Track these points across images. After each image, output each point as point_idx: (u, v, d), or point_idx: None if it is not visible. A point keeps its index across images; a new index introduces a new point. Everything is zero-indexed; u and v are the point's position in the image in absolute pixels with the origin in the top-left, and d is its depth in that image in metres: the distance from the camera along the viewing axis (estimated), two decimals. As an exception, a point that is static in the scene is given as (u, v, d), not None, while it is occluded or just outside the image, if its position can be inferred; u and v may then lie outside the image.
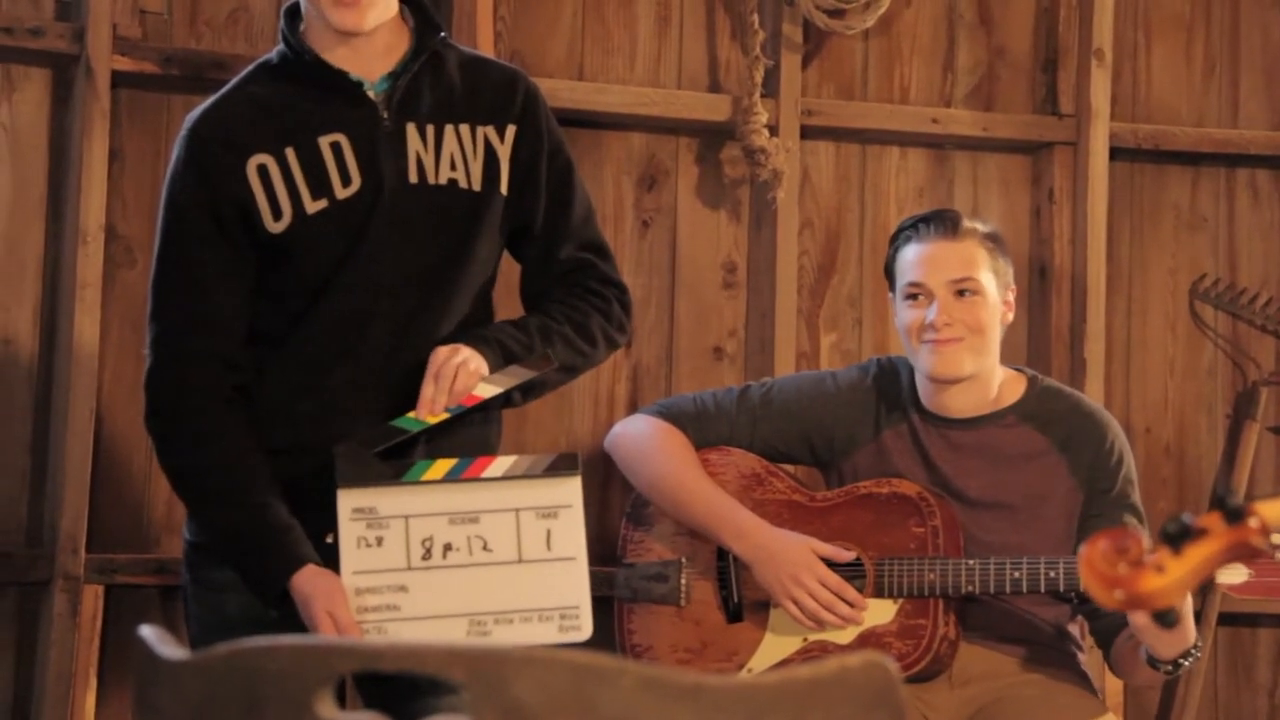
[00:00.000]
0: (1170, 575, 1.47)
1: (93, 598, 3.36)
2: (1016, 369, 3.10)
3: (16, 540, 3.42)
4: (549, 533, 2.50)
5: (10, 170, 3.45)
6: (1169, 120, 4.02)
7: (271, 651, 1.30)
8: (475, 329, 2.60)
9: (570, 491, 2.52)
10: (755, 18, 3.76)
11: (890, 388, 3.06)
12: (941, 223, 2.97)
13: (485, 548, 2.49)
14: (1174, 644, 2.70)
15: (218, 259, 2.55)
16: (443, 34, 2.64)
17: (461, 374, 2.49)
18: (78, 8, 3.45)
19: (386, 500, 2.47)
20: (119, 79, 3.46)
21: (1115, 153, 3.94)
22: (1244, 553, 1.49)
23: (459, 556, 2.47)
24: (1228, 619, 3.93)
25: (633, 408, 3.78)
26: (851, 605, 2.91)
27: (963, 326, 2.92)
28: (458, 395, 2.50)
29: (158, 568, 3.45)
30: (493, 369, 2.55)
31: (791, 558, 2.94)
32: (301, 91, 2.58)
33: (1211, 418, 4.04)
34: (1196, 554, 1.48)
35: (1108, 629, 2.93)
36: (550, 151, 2.66)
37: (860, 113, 3.88)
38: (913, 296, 2.96)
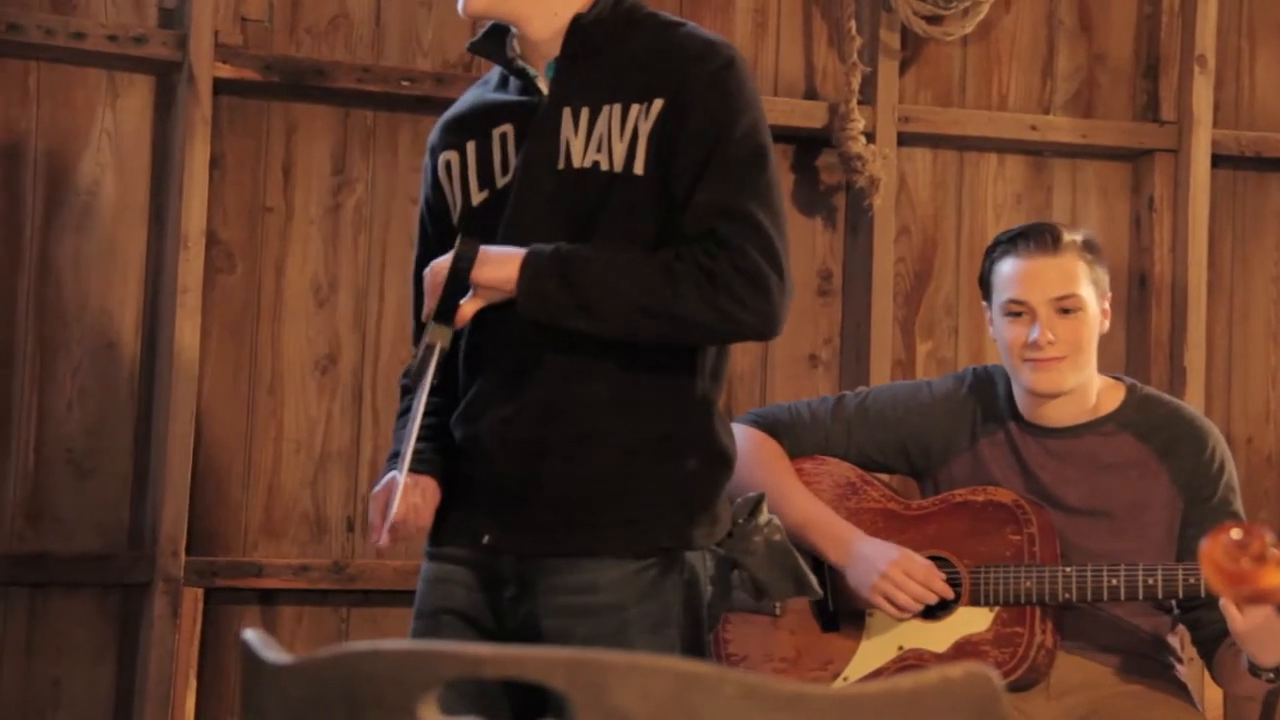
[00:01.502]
0: None
1: (192, 600, 3.40)
2: (1115, 377, 3.07)
3: (118, 542, 3.47)
4: None
5: (114, 176, 3.49)
6: (1272, 127, 3.97)
7: (374, 655, 1.31)
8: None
9: None
10: (853, 24, 3.75)
11: (986, 397, 3.04)
12: (1041, 237, 2.95)
13: None
14: (1276, 650, 2.66)
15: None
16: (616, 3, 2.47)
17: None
18: (180, 15, 3.49)
19: None
20: (220, 86, 3.50)
21: (1217, 160, 3.90)
22: None
23: None
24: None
25: (727, 416, 3.77)
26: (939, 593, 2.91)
27: (1065, 345, 2.90)
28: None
29: (256, 571, 3.48)
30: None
31: (884, 558, 2.93)
32: (493, 91, 2.56)
33: (1315, 428, 3.99)
34: None
35: (1210, 639, 2.90)
36: (706, 126, 2.37)
37: (957, 119, 3.86)
38: (1014, 314, 2.93)
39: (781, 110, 3.79)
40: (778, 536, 2.54)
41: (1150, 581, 2.82)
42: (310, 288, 3.62)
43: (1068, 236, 2.95)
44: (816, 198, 3.84)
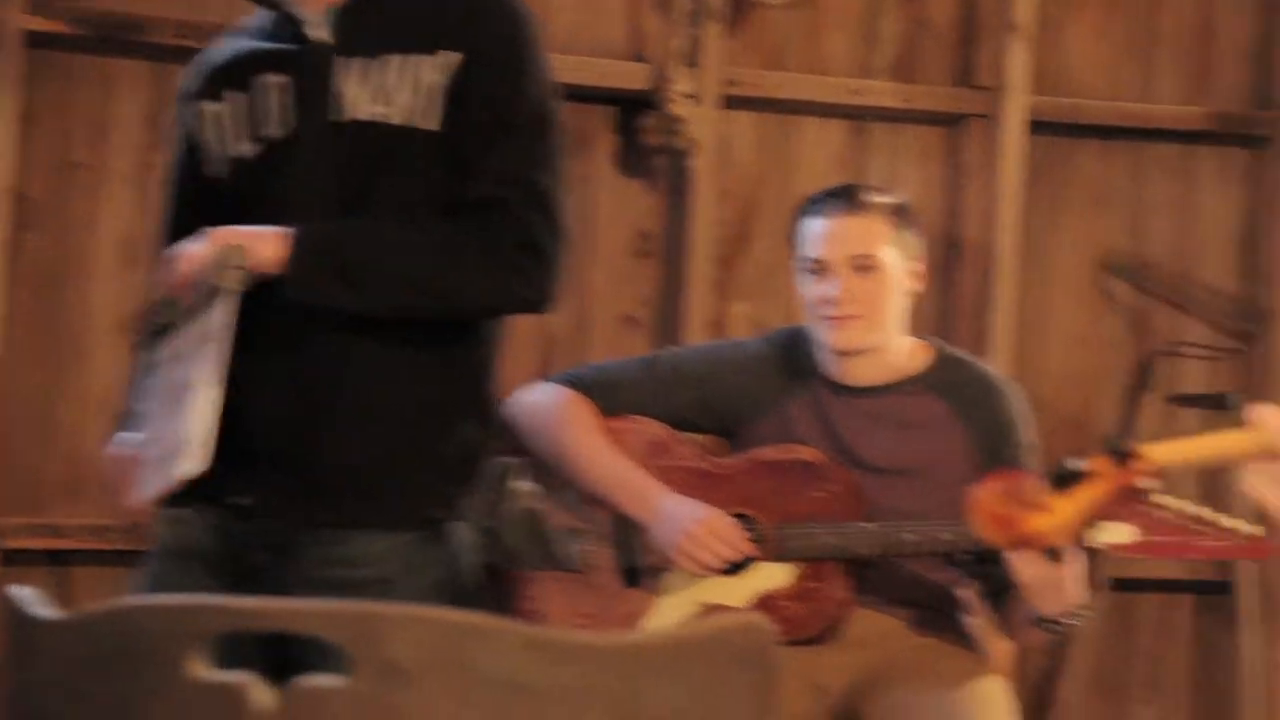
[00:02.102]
0: (1060, 515, 1.51)
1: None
2: (925, 339, 3.13)
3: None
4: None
5: (-82, 130, 3.41)
6: (1086, 94, 4.06)
7: (149, 610, 1.30)
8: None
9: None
10: (677, -14, 3.76)
11: (795, 356, 3.09)
12: (845, 197, 3.00)
13: None
14: (1058, 601, 2.73)
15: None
16: None
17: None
18: (-12, -34, 3.41)
19: None
20: (32, 39, 3.42)
21: (1032, 126, 3.97)
22: (1130, 494, 1.53)
23: None
24: (1112, 584, 3.98)
25: (544, 377, 3.78)
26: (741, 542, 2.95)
27: (861, 304, 2.95)
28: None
29: (52, 531, 3.42)
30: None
31: (689, 516, 2.96)
32: (258, 39, 2.44)
33: (1112, 388, 4.08)
34: (1085, 495, 1.52)
35: (996, 592, 2.98)
36: (498, 88, 2.32)
37: (781, 83, 3.89)
38: (815, 272, 2.98)
39: (604, 71, 3.80)
40: (528, 504, 2.51)
41: (946, 537, 2.89)
42: (119, 246, 3.56)
43: (874, 198, 3.00)
44: (638, 159, 3.85)
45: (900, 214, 3.01)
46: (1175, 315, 4.11)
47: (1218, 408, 4.05)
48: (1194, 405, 4.08)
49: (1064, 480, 1.53)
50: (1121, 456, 1.52)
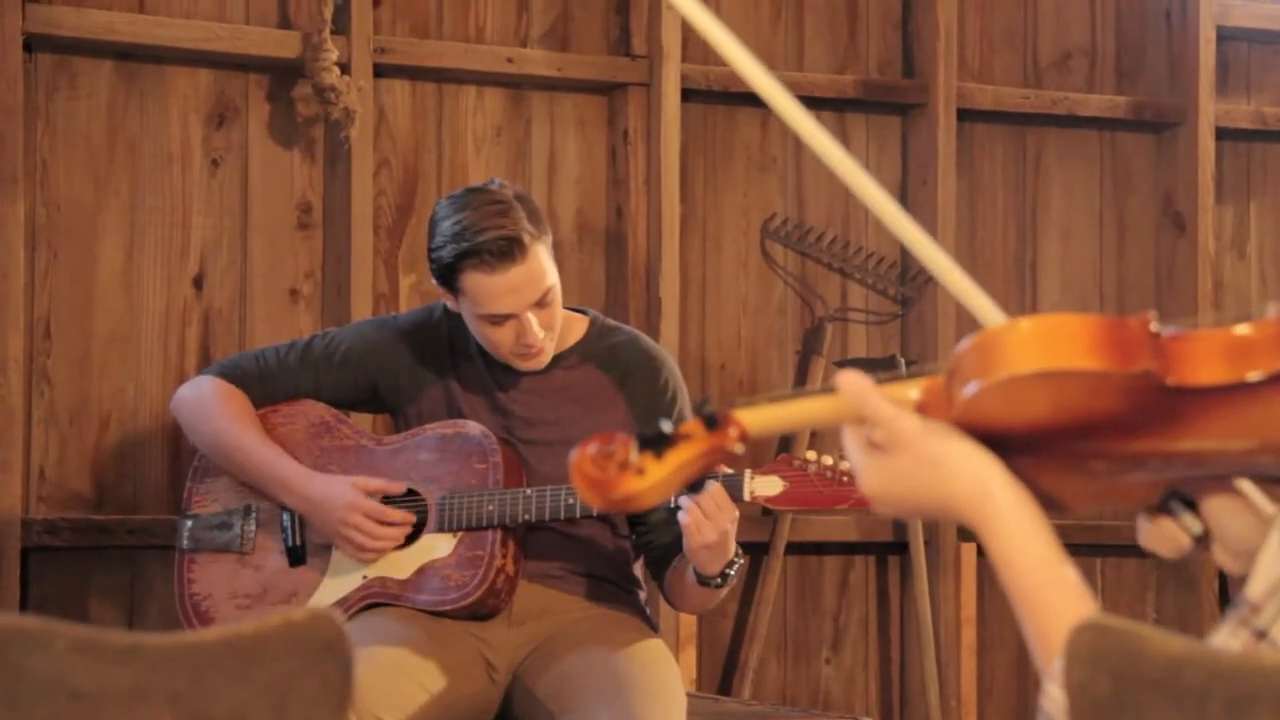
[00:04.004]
0: (651, 477, 1.52)
1: None
2: (578, 310, 3.13)
3: None
4: None
5: None
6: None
7: None
8: None
9: None
10: (325, -48, 3.68)
11: (457, 330, 3.06)
12: (507, 250, 2.85)
13: None
14: (717, 560, 2.82)
15: None
16: None
17: None
18: None
19: None
20: None
21: (688, 94, 4.00)
22: (722, 457, 1.54)
23: None
24: (795, 548, 4.06)
25: (204, 353, 3.70)
26: (399, 521, 2.94)
27: (548, 330, 2.95)
28: None
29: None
30: None
31: (335, 501, 2.96)
32: None
33: (783, 353, 4.15)
34: (677, 457, 1.53)
35: (659, 560, 3.02)
36: None
37: (435, 51, 3.84)
38: (497, 322, 2.93)
39: (253, 39, 3.71)
40: None
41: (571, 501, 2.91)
42: None
43: (525, 229, 2.87)
44: (294, 130, 3.77)
45: (536, 220, 2.93)
46: (838, 280, 4.18)
47: (886, 370, 4.14)
48: (861, 369, 4.16)
49: (655, 442, 1.53)
50: (712, 421, 1.53)
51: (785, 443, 4.02)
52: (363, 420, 3.47)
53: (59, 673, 1.30)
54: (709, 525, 2.76)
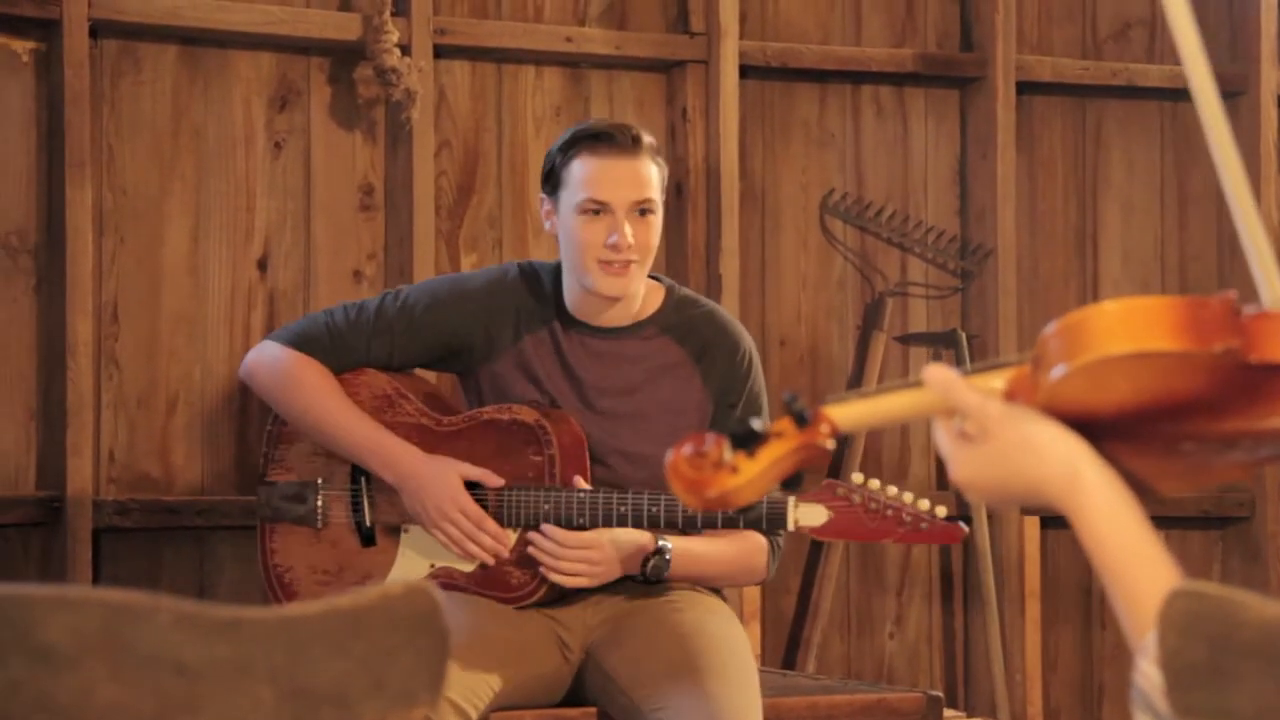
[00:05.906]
0: (744, 475, 1.55)
1: None
2: (655, 278, 3.11)
3: None
4: None
5: None
6: (796, 38, 4.09)
7: None
8: None
9: None
10: (384, -65, 3.70)
11: (532, 293, 3.04)
12: (623, 137, 2.92)
13: None
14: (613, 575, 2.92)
15: None
16: None
17: None
18: None
19: None
20: None
21: (746, 71, 4.00)
22: (814, 453, 1.56)
23: None
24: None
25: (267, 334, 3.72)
26: (494, 539, 2.93)
27: (639, 249, 2.93)
28: None
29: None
30: None
31: (439, 488, 2.94)
32: None
33: (843, 328, 4.15)
34: (769, 455, 1.55)
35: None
36: None
37: (494, 31, 3.86)
38: (592, 213, 2.93)
39: (314, 22, 3.73)
40: None
41: (654, 510, 2.89)
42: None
43: (646, 139, 2.97)
44: (356, 111, 3.79)
45: (659, 154, 3.00)
46: (898, 255, 4.18)
47: (947, 345, 4.14)
48: (922, 344, 4.17)
49: (748, 441, 1.55)
50: (802, 418, 1.55)
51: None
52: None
53: (163, 646, 1.32)
54: (564, 567, 2.84)
